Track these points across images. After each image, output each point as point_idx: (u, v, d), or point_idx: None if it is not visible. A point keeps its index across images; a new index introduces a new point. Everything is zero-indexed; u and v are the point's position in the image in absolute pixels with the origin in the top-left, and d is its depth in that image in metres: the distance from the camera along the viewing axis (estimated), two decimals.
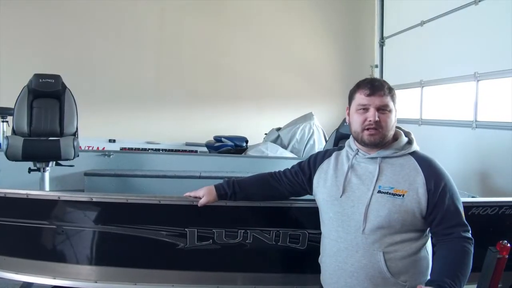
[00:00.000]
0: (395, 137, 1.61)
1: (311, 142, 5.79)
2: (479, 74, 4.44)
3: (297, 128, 5.85)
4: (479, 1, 4.42)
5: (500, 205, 1.98)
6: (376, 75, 7.07)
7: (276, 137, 5.96)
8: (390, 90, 1.56)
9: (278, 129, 6.09)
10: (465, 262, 1.43)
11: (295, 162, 1.85)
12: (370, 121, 1.52)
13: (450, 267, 1.42)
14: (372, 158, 1.57)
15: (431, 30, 5.48)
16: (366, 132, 1.53)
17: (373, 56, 7.28)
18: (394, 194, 1.49)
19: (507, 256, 1.69)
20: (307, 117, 5.98)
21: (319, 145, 5.69)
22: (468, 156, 4.55)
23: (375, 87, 1.53)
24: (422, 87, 5.64)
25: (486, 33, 4.34)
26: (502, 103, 4.24)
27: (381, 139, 1.54)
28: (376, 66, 7.12)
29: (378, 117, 1.51)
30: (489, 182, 4.20)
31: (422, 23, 5.65)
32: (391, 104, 1.54)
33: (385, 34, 6.97)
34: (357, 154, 1.60)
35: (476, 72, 4.46)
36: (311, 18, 8.00)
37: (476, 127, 4.46)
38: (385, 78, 6.80)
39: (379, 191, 1.51)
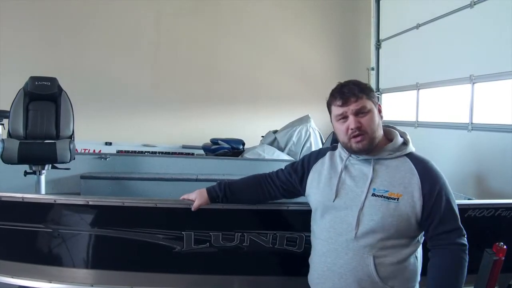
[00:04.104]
0: (390, 138, 1.57)
1: (307, 144, 5.80)
2: (475, 77, 4.46)
3: (293, 131, 5.85)
4: (475, 4, 4.44)
5: (497, 207, 1.98)
6: (373, 77, 7.08)
7: (273, 139, 5.95)
8: (363, 90, 1.51)
9: (275, 132, 6.09)
10: (459, 274, 1.43)
11: None
12: (352, 129, 1.48)
13: (445, 282, 1.43)
14: (366, 159, 1.53)
15: (427, 33, 5.50)
16: (353, 141, 1.49)
17: (369, 58, 7.29)
18: (388, 198, 1.44)
19: (503, 258, 1.69)
20: (304, 120, 5.98)
21: (316, 147, 5.69)
22: (464, 158, 4.56)
23: (345, 95, 1.49)
24: (418, 89, 5.66)
25: (482, 36, 4.37)
26: (497, 105, 4.26)
27: (370, 143, 1.49)
28: (373, 69, 7.14)
29: (359, 122, 1.48)
30: (485, 184, 4.21)
31: (418, 26, 5.68)
32: (368, 104, 1.50)
33: (381, 37, 6.99)
34: (350, 156, 1.57)
35: (471, 74, 4.49)
36: (308, 20, 8.02)
37: (472, 129, 4.48)
38: (381, 80, 6.83)
39: (373, 194, 1.46)
